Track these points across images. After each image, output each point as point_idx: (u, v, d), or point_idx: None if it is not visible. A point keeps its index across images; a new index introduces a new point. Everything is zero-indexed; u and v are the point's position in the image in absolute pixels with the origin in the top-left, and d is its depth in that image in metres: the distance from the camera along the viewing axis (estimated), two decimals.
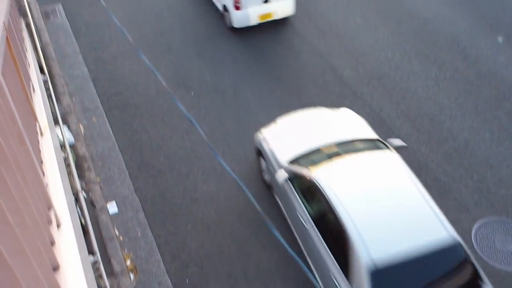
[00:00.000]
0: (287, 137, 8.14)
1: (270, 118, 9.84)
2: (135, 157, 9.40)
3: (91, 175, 8.93)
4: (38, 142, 5.00)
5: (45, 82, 9.39)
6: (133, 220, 8.38)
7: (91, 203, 8.43)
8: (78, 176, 7.40)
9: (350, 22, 12.60)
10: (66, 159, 6.88)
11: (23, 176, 3.01)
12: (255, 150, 9.01)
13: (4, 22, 4.48)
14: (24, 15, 11.04)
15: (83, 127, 9.99)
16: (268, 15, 12.13)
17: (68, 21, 12.61)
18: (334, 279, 6.32)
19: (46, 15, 12.77)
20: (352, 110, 10.24)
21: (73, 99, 10.57)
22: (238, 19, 11.92)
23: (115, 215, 8.44)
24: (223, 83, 10.88)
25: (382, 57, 11.58)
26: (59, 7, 13.02)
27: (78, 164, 8.92)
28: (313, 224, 6.83)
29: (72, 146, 9.25)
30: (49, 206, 4.00)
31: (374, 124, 9.96)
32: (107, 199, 8.66)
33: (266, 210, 8.24)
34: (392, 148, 7.45)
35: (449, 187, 8.84)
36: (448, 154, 9.41)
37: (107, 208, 8.49)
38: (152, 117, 10.17)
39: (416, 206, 6.31)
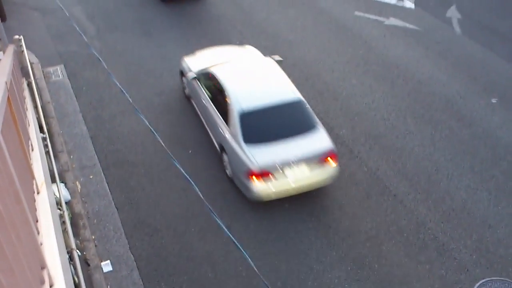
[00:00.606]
0: (200, 59, 11.68)
1: None
2: (131, 214, 9.35)
3: (86, 233, 8.84)
4: (34, 200, 4.99)
5: (44, 139, 9.47)
6: (128, 279, 8.23)
7: (85, 262, 8.31)
8: (73, 234, 7.34)
9: (346, 83, 12.85)
10: (61, 217, 6.84)
11: (18, 235, 3.00)
12: (179, 72, 12.25)
13: (6, 82, 4.58)
14: (26, 75, 11.27)
15: (80, 184, 9.99)
16: None
17: (69, 80, 12.85)
18: (220, 129, 9.80)
19: (48, 75, 13.03)
20: (349, 168, 10.28)
21: (71, 156, 10.62)
22: None
23: (109, 273, 8.30)
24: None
25: (378, 117, 11.74)
26: (61, 67, 13.30)
27: (73, 222, 8.85)
28: (210, 101, 10.36)
29: (68, 203, 9.21)
30: (43, 266, 3.95)
31: (371, 183, 9.98)
32: (102, 258, 8.55)
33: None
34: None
35: (448, 247, 8.75)
36: (446, 214, 9.37)
37: (101, 266, 8.36)
38: (149, 174, 10.19)
39: (277, 83, 10.07)
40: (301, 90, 12.54)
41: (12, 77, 6.05)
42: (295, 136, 9.28)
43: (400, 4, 16.36)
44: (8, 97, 4.49)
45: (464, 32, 15.00)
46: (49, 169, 7.71)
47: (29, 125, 7.04)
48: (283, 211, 9.42)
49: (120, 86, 7.75)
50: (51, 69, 13.23)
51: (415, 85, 12.84)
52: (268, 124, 9.41)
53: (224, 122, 9.72)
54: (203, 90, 10.74)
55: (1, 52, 12.20)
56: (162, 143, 6.30)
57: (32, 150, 6.40)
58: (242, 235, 8.91)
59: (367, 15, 15.67)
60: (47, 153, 8.79)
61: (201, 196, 5.92)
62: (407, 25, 15.29)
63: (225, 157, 9.82)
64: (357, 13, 15.81)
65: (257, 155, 8.94)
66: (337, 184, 9.96)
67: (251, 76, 10.32)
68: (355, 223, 9.23)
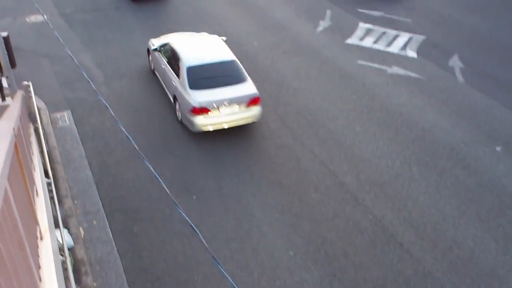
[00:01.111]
0: (163, 39, 14.51)
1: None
2: (134, 261, 9.24)
3: (88, 280, 8.72)
4: (38, 246, 4.96)
5: (49, 184, 9.47)
6: None
7: None
8: (75, 281, 7.24)
9: (350, 130, 12.92)
10: (64, 263, 6.77)
11: (20, 282, 2.96)
12: (146, 50, 15.36)
13: (14, 128, 4.64)
14: (34, 121, 11.39)
15: (83, 230, 9.92)
16: None
17: (76, 126, 12.96)
18: (173, 82, 12.81)
19: (55, 121, 13.16)
20: (354, 216, 10.21)
21: (75, 202, 10.59)
22: None
23: None
24: (226, 187, 10.95)
25: (382, 165, 11.73)
26: (68, 113, 13.45)
27: (75, 268, 8.75)
28: (167, 64, 13.36)
29: (71, 249, 9.12)
30: None
31: (376, 231, 9.87)
32: None
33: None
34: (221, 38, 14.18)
35: None
36: (453, 263, 9.22)
37: None
38: (153, 221, 10.12)
39: (218, 49, 13.15)
40: (305, 137, 12.59)
41: (20, 123, 6.12)
42: (228, 85, 12.33)
43: (402, 53, 16.61)
44: (16, 143, 4.53)
45: (467, 81, 15.17)
46: (53, 214, 7.69)
47: (34, 170, 7.07)
48: (290, 259, 9.30)
49: (126, 132, 7.81)
50: (58, 115, 13.38)
51: (419, 132, 12.89)
52: (208, 76, 12.41)
53: (176, 76, 12.76)
54: (162, 57, 13.80)
55: (10, 98, 12.39)
56: (167, 190, 6.29)
57: (37, 195, 6.40)
58: (247, 286, 8.77)
59: (370, 64, 15.90)
60: (52, 198, 8.78)
61: (205, 244, 5.86)
62: (410, 73, 15.48)
63: (177, 105, 12.91)
64: (360, 62, 16.05)
65: (198, 96, 11.98)
66: (341, 232, 9.87)
67: (199, 45, 13.47)
68: (360, 272, 9.09)
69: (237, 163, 11.72)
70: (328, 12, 19.26)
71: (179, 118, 12.96)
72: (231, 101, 12.10)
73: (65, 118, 13.31)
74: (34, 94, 12.22)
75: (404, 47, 16.94)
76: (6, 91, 13.26)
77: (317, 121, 13.29)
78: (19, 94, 9.97)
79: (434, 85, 14.96)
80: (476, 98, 14.34)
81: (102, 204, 10.55)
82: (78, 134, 12.71)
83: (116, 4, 19.77)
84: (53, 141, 12.29)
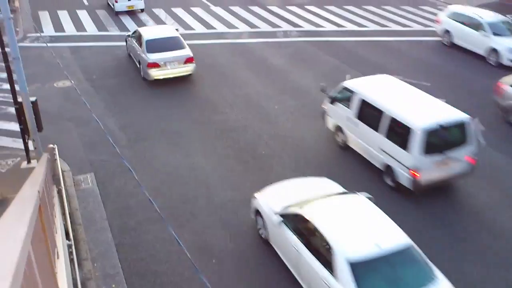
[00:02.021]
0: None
1: None
2: None
3: None
4: None
5: (70, 246, 9.49)
6: None
7: None
8: None
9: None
10: None
11: None
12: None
13: (38, 191, 4.73)
14: (57, 182, 11.57)
15: None
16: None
17: (98, 188, 13.11)
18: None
19: (78, 182, 13.35)
20: None
21: (95, 264, 10.55)
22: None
23: None
24: (247, 250, 10.82)
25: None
26: (91, 175, 13.64)
27: None
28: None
29: None
30: None
31: None
32: None
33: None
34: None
35: None
36: None
37: None
38: (172, 284, 9.99)
39: (170, 31, 19.39)
40: None
41: (44, 186, 6.23)
42: (173, 50, 18.76)
43: None
44: (40, 206, 4.60)
45: (489, 143, 15.07)
46: (72, 277, 7.66)
47: (56, 233, 7.12)
48: None
49: (148, 195, 7.87)
50: (81, 177, 13.57)
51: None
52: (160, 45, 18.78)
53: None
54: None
55: (36, 161, 12.65)
56: (187, 253, 6.26)
57: (58, 258, 6.41)
58: None
59: None
60: (72, 260, 8.77)
61: None
62: None
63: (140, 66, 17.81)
64: None
65: (152, 57, 18.36)
66: None
67: (157, 29, 20.04)
68: None
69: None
70: (348, 76, 19.57)
71: (142, 75, 19.21)
72: (173, 60, 18.57)
73: (88, 180, 13.49)
74: (59, 156, 12.48)
75: None
76: (32, 154, 13.57)
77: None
78: (45, 157, 10.19)
79: None
80: (498, 160, 14.19)
81: (121, 266, 10.49)
82: (100, 196, 12.83)
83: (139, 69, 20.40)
84: (75, 203, 12.41)
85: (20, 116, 12.55)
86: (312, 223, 9.19)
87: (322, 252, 8.81)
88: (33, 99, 12.32)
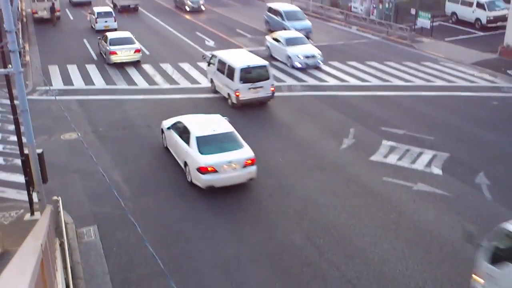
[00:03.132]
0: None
1: None
2: None
3: None
4: None
5: None
6: None
7: None
8: None
9: (378, 248, 12.63)
10: None
11: None
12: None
13: (41, 245, 4.69)
14: (60, 235, 11.48)
15: None
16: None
17: (101, 241, 12.99)
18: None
19: (80, 235, 13.24)
20: None
21: None
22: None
23: None
24: None
25: (412, 285, 11.29)
26: (94, 228, 13.54)
27: None
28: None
29: None
30: None
31: None
32: None
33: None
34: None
35: None
36: None
37: None
38: None
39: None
40: (331, 254, 12.34)
41: (47, 239, 6.18)
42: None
43: (427, 170, 16.63)
44: (42, 260, 4.55)
45: (495, 198, 14.96)
46: None
47: (57, 287, 7.00)
48: None
49: (151, 249, 7.78)
50: (84, 230, 13.48)
51: (450, 251, 12.52)
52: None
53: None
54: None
55: (39, 213, 12.59)
56: None
57: None
58: None
59: (395, 181, 15.89)
60: None
61: None
62: (436, 190, 15.38)
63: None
64: (385, 178, 16.08)
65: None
66: None
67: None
68: None
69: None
70: (352, 130, 19.70)
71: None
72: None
73: (91, 233, 13.38)
74: (63, 208, 12.44)
75: (429, 164, 16.99)
76: (35, 206, 13.53)
77: (343, 237, 13.07)
78: (48, 209, 10.16)
79: (461, 202, 14.77)
80: (505, 215, 14.02)
81: None
82: (103, 249, 12.69)
83: (148, 122, 20.62)
84: (77, 256, 12.26)
85: (25, 168, 12.60)
86: (183, 123, 16.44)
87: (185, 137, 15.82)
88: (39, 151, 12.40)
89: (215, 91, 23.23)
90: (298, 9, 36.53)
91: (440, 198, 14.98)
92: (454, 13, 37.29)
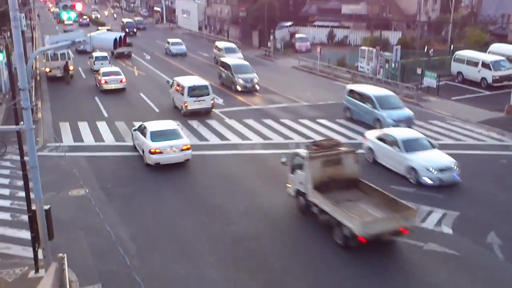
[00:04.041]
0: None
1: None
2: None
3: None
4: None
5: None
6: None
7: None
8: None
9: None
10: None
11: None
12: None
13: None
14: None
15: None
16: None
17: None
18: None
19: None
20: None
21: None
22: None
23: None
24: None
25: None
26: (99, 287, 13.33)
27: None
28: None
29: None
30: None
31: None
32: None
33: None
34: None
35: None
36: None
37: None
38: None
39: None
40: None
41: None
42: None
43: (437, 229, 16.40)
44: None
45: (507, 258, 14.64)
46: None
47: None
48: None
49: None
50: None
51: None
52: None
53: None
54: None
55: (44, 270, 12.46)
56: None
57: None
58: None
59: (405, 240, 15.61)
60: None
61: None
62: (447, 250, 15.09)
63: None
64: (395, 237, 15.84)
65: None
66: None
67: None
68: None
69: None
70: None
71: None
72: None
73: None
74: (67, 266, 12.29)
75: (439, 223, 16.76)
76: (40, 263, 13.40)
77: None
78: (53, 267, 10.06)
79: (473, 263, 14.46)
80: None
81: None
82: None
83: (155, 177, 20.67)
84: None
85: (32, 224, 12.58)
86: (144, 124, 22.79)
87: (144, 133, 22.27)
88: (46, 207, 12.41)
89: (175, 106, 31.02)
90: (392, 93, 28.85)
91: (451, 258, 14.69)
92: (459, 73, 37.78)
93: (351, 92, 28.69)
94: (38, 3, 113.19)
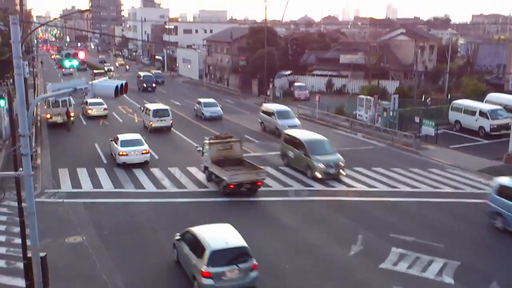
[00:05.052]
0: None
1: None
2: None
3: None
4: None
5: None
6: None
7: None
8: None
9: None
10: None
11: None
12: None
13: None
14: None
15: None
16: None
17: None
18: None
19: None
20: None
21: None
22: None
23: None
24: None
25: None
26: None
27: None
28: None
29: None
30: None
31: None
32: None
33: None
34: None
35: None
36: None
37: None
38: None
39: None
40: None
41: None
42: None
43: (438, 279, 16.15)
44: None
45: None
46: None
47: None
48: None
49: None
50: None
51: None
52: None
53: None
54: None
55: None
56: None
57: None
58: None
59: None
60: None
61: None
62: None
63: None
64: (395, 287, 15.58)
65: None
66: None
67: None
68: None
69: None
70: (360, 236, 19.45)
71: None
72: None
73: None
74: None
75: (440, 272, 16.52)
76: None
77: None
78: None
79: None
80: None
81: None
82: None
83: (153, 224, 20.49)
84: None
85: (27, 272, 12.37)
86: (118, 137, 29.08)
87: (116, 142, 29.13)
88: (42, 254, 12.25)
89: (144, 126, 39.21)
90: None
91: None
92: (457, 121, 38.13)
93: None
94: (41, 50, 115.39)
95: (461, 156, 31.36)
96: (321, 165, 25.98)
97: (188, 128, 40.30)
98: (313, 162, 26.18)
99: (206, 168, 25.69)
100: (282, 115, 37.84)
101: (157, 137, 36.57)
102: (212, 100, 46.70)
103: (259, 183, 23.52)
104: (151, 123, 37.87)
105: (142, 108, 41.48)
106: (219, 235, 15.67)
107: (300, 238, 19.41)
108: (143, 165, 28.49)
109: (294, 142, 28.34)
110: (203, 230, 15.93)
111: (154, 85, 64.07)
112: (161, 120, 38.20)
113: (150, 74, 69.19)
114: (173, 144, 35.27)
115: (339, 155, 27.09)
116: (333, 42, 74.77)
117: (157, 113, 38.28)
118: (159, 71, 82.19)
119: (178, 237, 16.80)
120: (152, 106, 39.68)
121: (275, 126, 37.48)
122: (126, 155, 28.26)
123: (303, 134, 29.29)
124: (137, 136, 30.48)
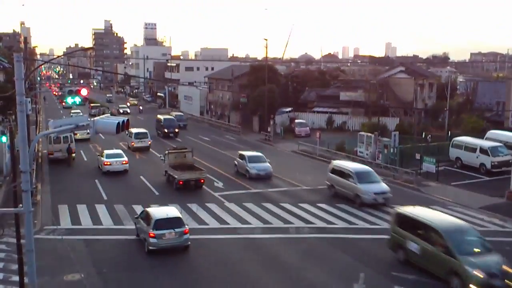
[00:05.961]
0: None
1: None
2: None
3: None
4: None
5: None
6: None
7: None
8: None
9: None
10: None
11: None
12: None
13: None
14: None
15: None
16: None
17: None
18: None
19: None
20: None
21: None
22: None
23: None
24: None
25: None
26: None
27: None
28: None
29: None
30: None
31: None
32: None
33: None
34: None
35: None
36: None
37: None
38: None
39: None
40: None
41: None
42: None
43: None
44: None
45: None
46: None
47: None
48: None
49: None
50: None
51: None
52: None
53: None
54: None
55: None
56: None
57: None
58: None
59: None
60: None
61: None
62: None
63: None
64: None
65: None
66: None
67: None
68: None
69: None
70: (362, 274, 19.20)
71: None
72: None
73: None
74: None
75: None
76: None
77: None
78: None
79: None
80: None
81: None
82: None
83: (153, 262, 20.27)
84: None
85: None
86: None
87: (102, 154, 37.75)
88: None
89: (128, 147, 46.12)
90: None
91: None
92: (458, 158, 38.10)
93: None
94: (44, 86, 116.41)
95: (463, 193, 31.22)
96: (478, 273, 16.47)
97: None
98: (464, 266, 16.88)
99: (166, 172, 33.78)
100: (363, 177, 28.61)
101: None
102: (258, 154, 37.04)
103: (202, 181, 31.77)
104: (132, 143, 45.86)
105: (127, 132, 43.13)
106: (163, 210, 22.23)
107: (300, 276, 19.12)
108: (144, 203, 28.37)
109: (424, 228, 19.26)
110: (153, 209, 22.70)
111: (176, 130, 55.61)
112: (141, 141, 46.18)
113: (171, 117, 59.81)
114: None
115: (498, 255, 17.78)
116: (333, 79, 75.47)
117: (138, 135, 46.41)
118: (181, 113, 71.51)
119: (136, 216, 23.17)
120: (133, 130, 46.96)
121: (355, 193, 28.11)
122: (110, 164, 36.16)
123: (439, 218, 19.86)
124: (118, 151, 38.82)
